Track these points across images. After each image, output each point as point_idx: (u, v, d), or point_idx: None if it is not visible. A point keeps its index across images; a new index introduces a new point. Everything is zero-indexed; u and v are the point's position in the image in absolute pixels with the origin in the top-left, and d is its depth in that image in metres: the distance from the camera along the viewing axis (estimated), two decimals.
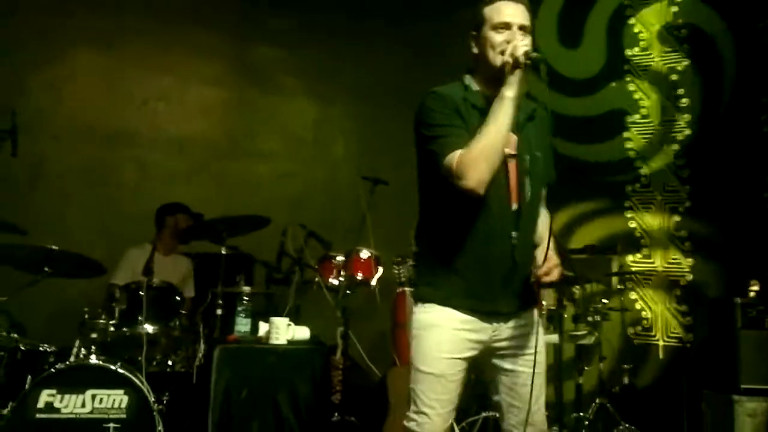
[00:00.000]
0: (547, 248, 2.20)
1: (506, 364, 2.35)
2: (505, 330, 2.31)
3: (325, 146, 6.31)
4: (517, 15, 2.26)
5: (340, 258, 4.43)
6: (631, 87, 5.70)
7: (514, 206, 2.25)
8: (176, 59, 5.84)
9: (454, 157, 2.15)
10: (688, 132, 5.46)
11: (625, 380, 4.73)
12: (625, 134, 5.65)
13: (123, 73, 5.66)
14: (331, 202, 5.91)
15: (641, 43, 5.71)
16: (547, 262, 2.21)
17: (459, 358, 2.27)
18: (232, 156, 5.95)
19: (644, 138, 5.61)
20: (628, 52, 5.74)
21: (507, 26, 2.25)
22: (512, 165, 2.26)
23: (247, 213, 4.41)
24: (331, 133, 6.33)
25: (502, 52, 2.20)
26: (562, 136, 5.60)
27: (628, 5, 5.80)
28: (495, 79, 2.23)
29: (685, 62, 5.53)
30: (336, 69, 6.20)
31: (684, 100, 5.50)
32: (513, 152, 2.26)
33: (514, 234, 2.24)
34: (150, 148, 5.70)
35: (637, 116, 5.65)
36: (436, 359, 2.25)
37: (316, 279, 4.42)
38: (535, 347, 2.30)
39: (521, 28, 2.25)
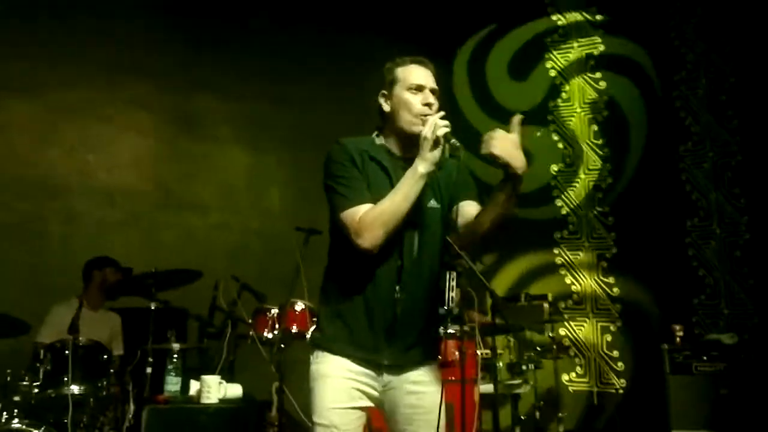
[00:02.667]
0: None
1: (403, 424, 2.32)
2: (398, 384, 2.30)
3: (260, 195, 6.27)
4: (429, 78, 2.33)
5: (274, 311, 4.38)
6: (555, 137, 5.90)
7: (399, 262, 2.27)
8: (108, 108, 5.73)
9: (354, 213, 2.19)
10: (610, 180, 5.66)
11: (561, 429, 4.79)
12: (554, 192, 5.83)
13: (53, 122, 5.52)
14: (266, 253, 5.85)
15: (563, 94, 5.93)
16: None
17: (351, 408, 2.26)
18: (164, 206, 5.84)
19: (570, 187, 5.80)
20: (551, 103, 5.95)
21: (420, 88, 2.30)
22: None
23: (180, 265, 4.34)
24: (265, 182, 6.31)
25: (423, 121, 2.24)
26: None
27: (549, 58, 6.04)
28: (405, 137, 2.30)
29: (606, 113, 5.77)
30: (270, 117, 6.21)
31: (605, 149, 5.72)
32: None
33: (397, 288, 2.26)
34: (79, 199, 5.56)
35: (561, 165, 5.84)
36: (328, 410, 2.24)
37: (250, 333, 4.36)
38: (439, 412, 2.26)
39: (433, 91, 2.32)
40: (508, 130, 2.11)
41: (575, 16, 6.15)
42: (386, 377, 2.29)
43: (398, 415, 2.33)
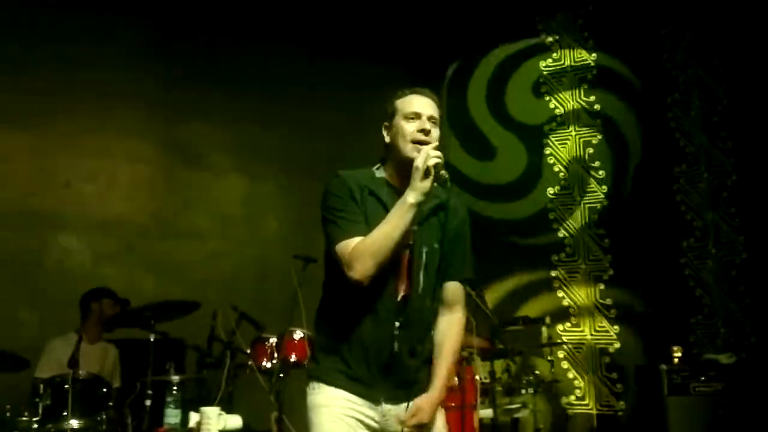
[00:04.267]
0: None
1: None
2: (398, 412, 2.30)
3: (257, 224, 6.27)
4: (427, 106, 2.36)
5: (272, 340, 4.37)
6: (551, 160, 5.95)
7: (400, 296, 2.30)
8: (103, 138, 5.72)
9: (347, 245, 2.22)
10: (606, 202, 5.70)
11: None
12: (549, 205, 5.86)
13: (48, 153, 5.52)
14: (264, 281, 5.83)
15: (558, 118, 5.99)
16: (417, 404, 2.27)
17: None
18: (160, 236, 5.82)
19: (566, 209, 5.83)
20: (546, 128, 6.00)
21: (417, 116, 2.33)
22: (405, 256, 2.32)
23: (177, 294, 4.35)
24: (262, 210, 6.31)
25: (417, 150, 2.26)
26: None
27: (544, 83, 6.10)
28: (403, 167, 2.30)
29: (599, 136, 5.82)
30: (266, 145, 6.23)
31: (600, 171, 5.76)
32: (407, 242, 2.31)
33: (396, 324, 2.27)
34: (74, 230, 5.54)
35: (557, 188, 5.87)
36: None
37: (249, 362, 4.34)
38: None
39: (430, 118, 2.34)
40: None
41: (568, 41, 6.22)
42: (385, 406, 2.30)
43: None
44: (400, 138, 2.33)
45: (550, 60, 6.26)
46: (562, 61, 6.19)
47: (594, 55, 6.08)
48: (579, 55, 6.13)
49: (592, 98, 5.98)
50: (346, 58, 6.35)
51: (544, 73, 6.22)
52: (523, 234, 5.96)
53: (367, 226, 2.26)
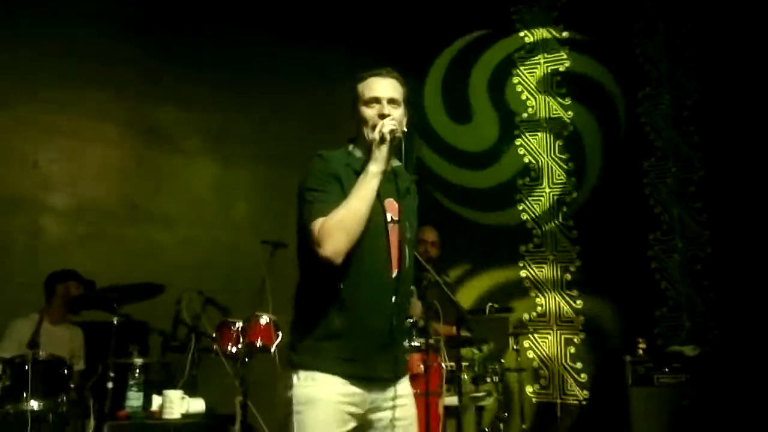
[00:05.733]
0: None
1: None
2: (380, 401, 2.31)
3: (228, 209, 6.24)
4: (387, 89, 2.36)
5: (239, 324, 4.35)
6: (521, 151, 5.98)
7: (395, 272, 2.29)
8: (73, 120, 5.65)
9: (317, 224, 2.19)
10: (575, 194, 5.74)
11: None
12: (517, 196, 5.90)
13: (16, 134, 5.46)
14: (234, 267, 5.79)
15: (529, 110, 6.02)
16: None
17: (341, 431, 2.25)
18: (130, 220, 5.77)
19: (535, 200, 5.87)
20: (517, 119, 6.04)
21: (377, 100, 2.34)
22: (393, 231, 2.32)
23: (147, 280, 4.29)
24: (233, 196, 6.28)
25: (373, 128, 2.28)
26: (456, 200, 5.83)
27: (515, 73, 6.14)
28: (369, 149, 2.31)
29: (570, 127, 5.86)
30: (238, 129, 6.20)
31: (570, 163, 5.80)
32: (397, 218, 2.32)
33: (393, 299, 2.26)
34: (43, 213, 5.49)
35: (527, 179, 5.91)
36: None
37: (214, 347, 4.32)
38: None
39: (391, 101, 2.34)
40: None
41: (542, 33, 6.25)
42: (373, 395, 2.28)
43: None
44: (363, 125, 2.35)
45: (523, 52, 6.29)
46: (536, 53, 6.21)
47: (567, 47, 6.12)
48: (552, 48, 6.16)
49: (564, 90, 6.01)
50: (317, 42, 6.32)
51: (518, 64, 6.25)
52: (486, 207, 5.98)
53: None
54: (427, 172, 6.29)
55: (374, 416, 2.31)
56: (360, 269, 2.23)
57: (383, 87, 2.36)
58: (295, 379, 2.26)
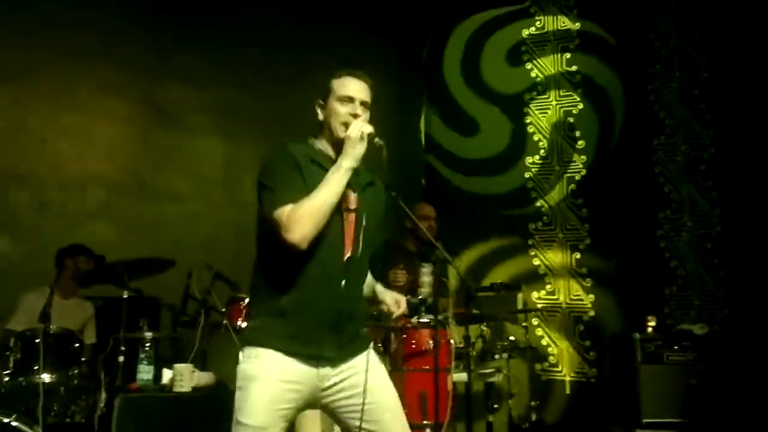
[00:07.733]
0: None
1: (344, 413, 2.37)
2: (333, 377, 2.35)
3: (235, 186, 6.21)
4: (361, 91, 2.46)
5: (247, 299, 4.35)
6: (531, 129, 5.94)
7: (347, 256, 2.37)
8: (80, 96, 5.65)
9: (284, 210, 2.25)
10: (584, 172, 5.71)
11: (533, 417, 4.82)
12: (526, 174, 5.88)
13: (24, 110, 5.44)
14: (240, 243, 5.72)
15: (539, 87, 5.98)
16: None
17: (281, 409, 2.27)
18: (138, 196, 5.77)
19: (544, 178, 5.84)
20: (527, 96, 6.00)
21: (351, 99, 2.44)
22: (350, 219, 2.40)
23: (155, 255, 4.30)
24: (240, 172, 6.24)
25: (345, 125, 2.39)
26: (465, 173, 5.84)
27: (525, 51, 6.09)
28: (336, 144, 2.42)
29: (580, 106, 5.82)
30: (245, 106, 6.18)
31: (580, 142, 5.76)
32: (353, 207, 2.41)
33: (342, 282, 2.34)
34: (50, 189, 5.48)
35: (536, 157, 5.88)
36: (258, 411, 2.24)
37: (224, 321, 4.32)
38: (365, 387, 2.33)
39: (362, 103, 2.45)
40: None
41: (553, 10, 6.19)
42: (322, 371, 2.32)
43: (336, 406, 2.37)
44: (333, 118, 2.44)
45: (533, 29, 6.23)
46: (546, 30, 6.16)
47: (577, 24, 6.06)
48: (562, 25, 6.11)
49: (574, 68, 5.97)
50: (326, 21, 6.29)
51: (528, 42, 6.19)
52: (504, 207, 5.99)
53: (308, 193, 2.30)
54: (436, 147, 6.25)
55: (330, 394, 2.35)
56: (312, 253, 2.30)
57: (358, 88, 2.47)
58: (240, 355, 2.34)
